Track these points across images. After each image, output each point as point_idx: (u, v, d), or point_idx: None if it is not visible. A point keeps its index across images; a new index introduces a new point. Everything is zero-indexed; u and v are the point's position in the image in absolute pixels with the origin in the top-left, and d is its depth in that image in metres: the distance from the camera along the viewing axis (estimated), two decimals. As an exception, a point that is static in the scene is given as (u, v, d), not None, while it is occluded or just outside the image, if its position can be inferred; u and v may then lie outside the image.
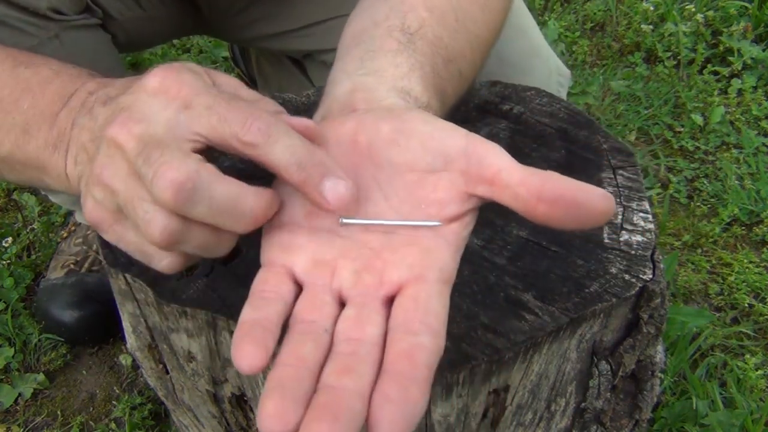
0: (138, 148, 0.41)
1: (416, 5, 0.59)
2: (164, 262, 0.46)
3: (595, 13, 1.95)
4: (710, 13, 1.86)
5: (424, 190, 0.45)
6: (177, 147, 0.41)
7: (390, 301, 0.42)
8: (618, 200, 0.66)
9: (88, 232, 1.27)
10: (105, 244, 0.63)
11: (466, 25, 0.62)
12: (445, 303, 0.42)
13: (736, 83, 1.71)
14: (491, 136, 0.64)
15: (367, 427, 0.35)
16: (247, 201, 0.42)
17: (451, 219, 0.44)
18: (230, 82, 0.48)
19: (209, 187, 0.41)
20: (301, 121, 0.44)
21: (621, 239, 0.62)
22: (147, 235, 0.42)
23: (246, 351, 0.37)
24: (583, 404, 0.67)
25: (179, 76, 0.43)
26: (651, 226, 0.64)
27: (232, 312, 0.57)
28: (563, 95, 1.01)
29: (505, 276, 0.59)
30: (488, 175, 0.43)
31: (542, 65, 0.99)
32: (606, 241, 0.62)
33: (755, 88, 1.71)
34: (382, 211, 0.45)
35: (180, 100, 0.43)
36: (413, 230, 0.44)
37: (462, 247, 0.45)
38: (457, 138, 0.44)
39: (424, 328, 0.39)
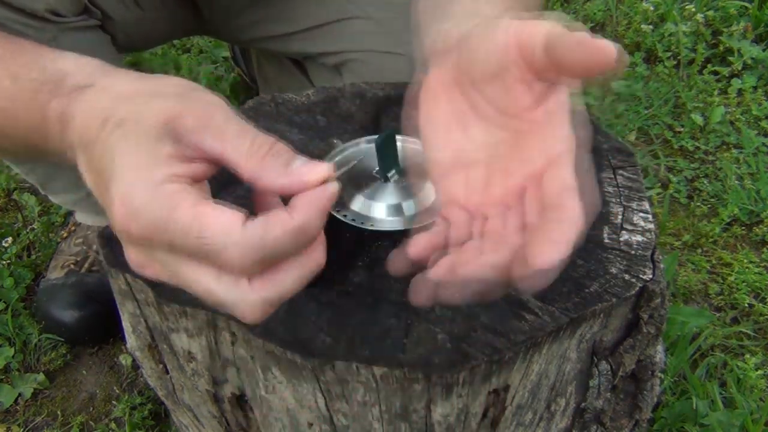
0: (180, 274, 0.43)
1: None
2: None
3: (595, 13, 1.95)
4: (710, 13, 1.86)
5: (502, 94, 0.48)
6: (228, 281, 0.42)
7: (523, 194, 0.47)
8: (618, 200, 0.66)
9: (88, 232, 1.27)
10: (105, 244, 0.63)
11: None
12: (576, 169, 0.44)
13: (736, 83, 1.70)
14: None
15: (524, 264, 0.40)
16: (309, 270, 0.44)
17: (539, 100, 0.47)
18: (195, 125, 0.44)
19: (282, 296, 0.43)
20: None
21: (621, 239, 0.62)
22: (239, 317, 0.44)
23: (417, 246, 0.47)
24: (583, 404, 0.67)
25: (139, 226, 0.42)
26: (651, 226, 0.64)
27: (232, 312, 0.57)
28: None
29: (505, 276, 0.59)
30: (538, 59, 0.45)
31: None
32: (606, 241, 0.62)
33: (755, 88, 1.71)
34: (481, 131, 0.50)
35: (141, 246, 0.43)
36: (524, 121, 0.48)
37: (569, 109, 0.47)
38: (502, 38, 0.46)
39: (560, 201, 0.42)
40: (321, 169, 0.43)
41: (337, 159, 0.70)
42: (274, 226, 0.41)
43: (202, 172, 0.44)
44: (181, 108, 0.44)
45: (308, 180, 0.42)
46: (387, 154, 0.64)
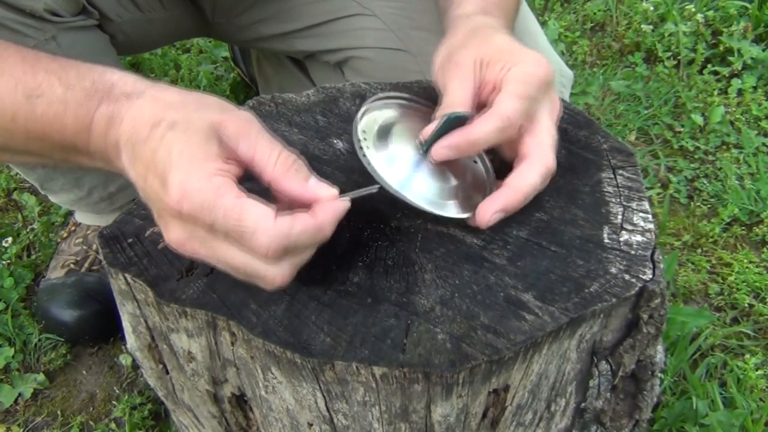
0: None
1: None
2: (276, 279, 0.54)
3: (595, 13, 1.95)
4: (710, 13, 1.86)
5: None
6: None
7: None
8: (618, 200, 0.66)
9: (88, 232, 1.27)
10: (105, 244, 0.63)
11: None
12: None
13: (736, 83, 1.70)
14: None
15: None
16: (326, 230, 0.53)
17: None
18: (235, 132, 0.54)
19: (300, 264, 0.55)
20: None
21: (621, 239, 0.62)
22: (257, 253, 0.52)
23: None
24: (583, 404, 0.67)
25: (191, 205, 0.50)
26: (651, 226, 0.64)
27: (232, 312, 0.57)
28: (566, 96, 1.02)
29: (505, 276, 0.59)
30: None
31: None
32: (606, 241, 0.62)
33: (755, 88, 1.71)
34: None
35: (186, 224, 0.52)
36: None
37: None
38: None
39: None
40: (331, 191, 0.54)
41: (364, 120, 0.66)
42: (299, 221, 0.51)
43: (235, 172, 0.53)
44: (224, 118, 0.54)
45: (321, 196, 0.53)
46: (442, 131, 0.62)
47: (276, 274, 0.53)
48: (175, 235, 0.53)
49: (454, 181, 0.65)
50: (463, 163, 0.67)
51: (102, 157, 0.58)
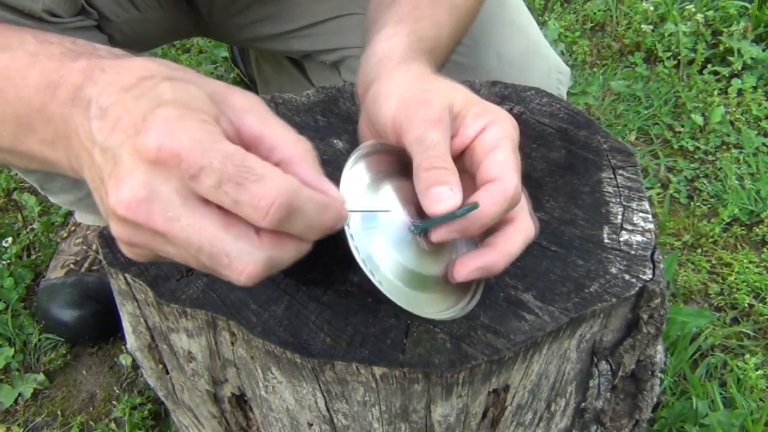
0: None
1: None
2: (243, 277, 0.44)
3: (595, 13, 1.95)
4: (710, 13, 1.86)
5: None
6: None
7: None
8: (618, 200, 0.66)
9: (88, 232, 1.27)
10: (105, 244, 0.63)
11: None
12: None
13: (736, 83, 1.70)
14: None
15: None
16: (300, 252, 0.45)
17: None
18: (243, 104, 0.47)
19: (281, 263, 0.44)
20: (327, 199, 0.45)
21: (621, 239, 0.62)
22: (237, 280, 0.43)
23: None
24: (583, 404, 0.67)
25: (177, 142, 0.41)
26: (651, 226, 0.64)
27: (232, 312, 0.57)
28: (563, 93, 1.01)
29: (505, 276, 0.59)
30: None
31: (542, 62, 0.99)
32: (606, 241, 0.62)
33: (755, 88, 1.71)
34: None
35: (182, 172, 0.41)
36: None
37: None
38: (383, 116, 0.60)
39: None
40: (341, 195, 0.47)
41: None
42: (308, 189, 0.43)
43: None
44: (231, 90, 0.47)
45: (331, 193, 0.46)
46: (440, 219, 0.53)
47: (249, 260, 0.42)
48: (129, 192, 0.41)
49: (441, 261, 0.56)
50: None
51: (58, 126, 0.48)
